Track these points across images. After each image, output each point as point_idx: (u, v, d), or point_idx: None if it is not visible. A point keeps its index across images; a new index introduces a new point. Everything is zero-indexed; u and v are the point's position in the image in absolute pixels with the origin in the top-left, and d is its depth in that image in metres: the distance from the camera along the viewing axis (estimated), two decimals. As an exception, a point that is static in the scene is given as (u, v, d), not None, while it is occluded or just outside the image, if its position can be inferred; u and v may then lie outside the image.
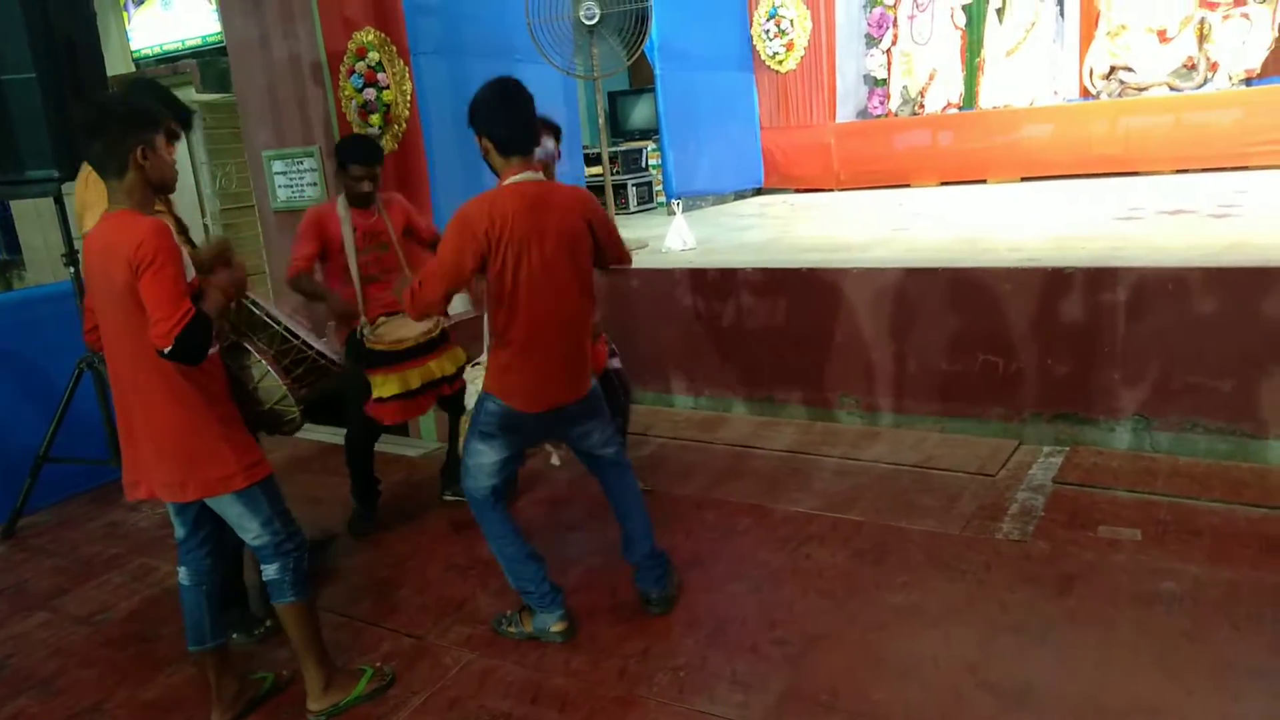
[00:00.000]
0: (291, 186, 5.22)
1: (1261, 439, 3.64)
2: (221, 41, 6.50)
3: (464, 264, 2.59)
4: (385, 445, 4.71)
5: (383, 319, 3.69)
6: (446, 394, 3.77)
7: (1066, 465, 3.80)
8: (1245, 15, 7.03)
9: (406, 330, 3.62)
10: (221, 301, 2.39)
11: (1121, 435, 3.90)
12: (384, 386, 3.61)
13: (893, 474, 3.92)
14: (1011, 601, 2.86)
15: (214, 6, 7.55)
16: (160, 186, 2.39)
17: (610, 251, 2.84)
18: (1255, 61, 7.09)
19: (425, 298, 2.66)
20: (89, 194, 3.14)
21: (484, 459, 2.78)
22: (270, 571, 2.52)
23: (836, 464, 4.10)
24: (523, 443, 2.86)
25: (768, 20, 8.37)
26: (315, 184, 5.04)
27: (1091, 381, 3.93)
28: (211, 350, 2.31)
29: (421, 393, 3.69)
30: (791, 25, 8.28)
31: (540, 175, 2.72)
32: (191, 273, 2.32)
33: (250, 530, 2.48)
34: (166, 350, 2.17)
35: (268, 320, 2.57)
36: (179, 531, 2.56)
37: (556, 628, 2.86)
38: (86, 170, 3.17)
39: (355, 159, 3.59)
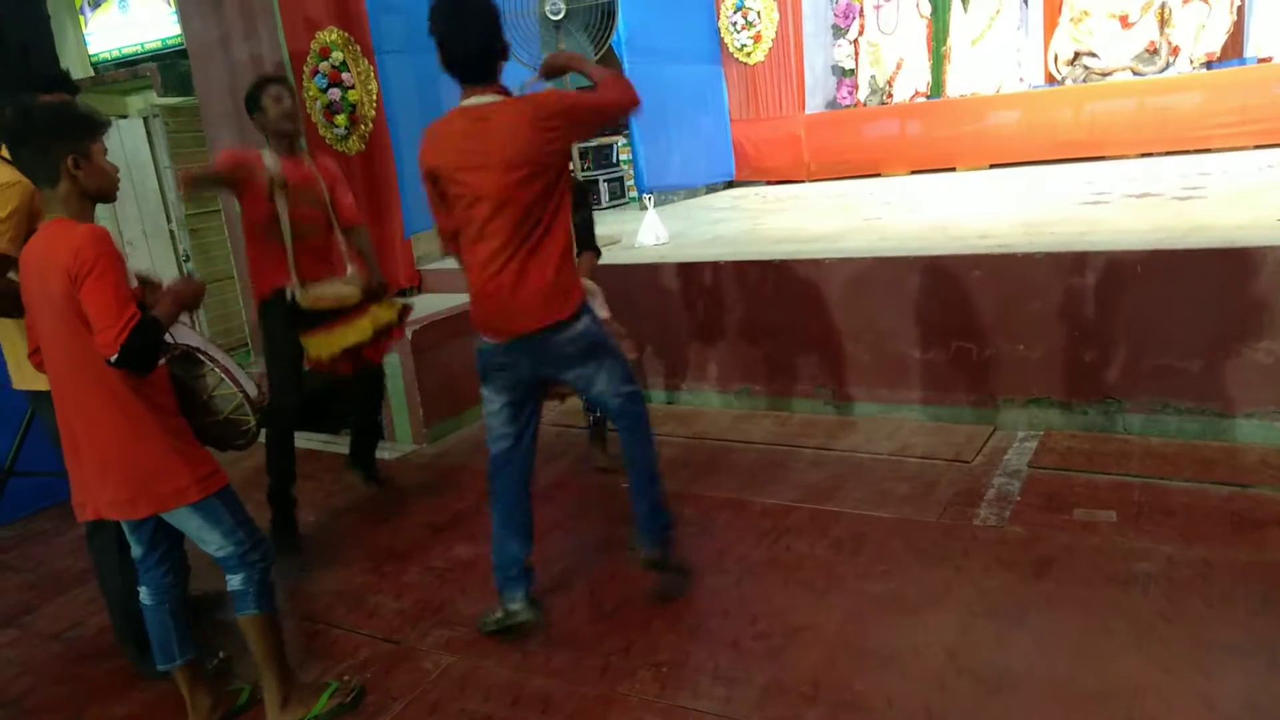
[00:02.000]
0: (257, 189, 5.14)
1: (1229, 417, 3.68)
2: (182, 44, 6.39)
3: (431, 198, 2.65)
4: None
5: (310, 282, 3.47)
6: (375, 359, 3.60)
7: (1041, 449, 3.83)
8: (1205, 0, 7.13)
9: (347, 288, 3.48)
10: (175, 311, 2.27)
11: (1094, 418, 3.94)
12: (328, 345, 3.41)
13: (869, 463, 3.93)
14: (989, 587, 2.87)
15: (173, 8, 7.42)
16: (98, 196, 2.27)
17: (601, 115, 2.80)
18: (1215, 45, 7.19)
19: (444, 250, 2.84)
20: None
21: (490, 406, 2.77)
22: (235, 583, 2.46)
23: (813, 455, 4.10)
24: (517, 384, 2.74)
25: (735, 12, 8.36)
26: (282, 186, 4.98)
27: (1063, 365, 3.96)
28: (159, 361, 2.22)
29: (369, 343, 3.51)
30: (759, 17, 8.27)
31: (493, 98, 2.55)
32: (133, 280, 2.24)
33: (212, 543, 2.40)
34: (114, 358, 2.08)
35: (201, 358, 2.47)
36: (136, 550, 2.48)
37: (515, 606, 2.84)
38: None
39: (269, 80, 3.43)
